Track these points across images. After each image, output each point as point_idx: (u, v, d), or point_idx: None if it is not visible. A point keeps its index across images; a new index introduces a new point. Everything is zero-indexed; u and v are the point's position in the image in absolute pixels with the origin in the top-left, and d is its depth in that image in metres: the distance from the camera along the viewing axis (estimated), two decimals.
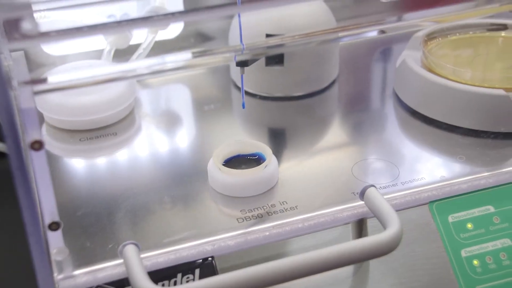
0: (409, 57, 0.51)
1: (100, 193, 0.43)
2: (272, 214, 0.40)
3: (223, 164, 0.42)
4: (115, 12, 0.57)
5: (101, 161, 0.47)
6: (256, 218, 0.39)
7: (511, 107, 0.45)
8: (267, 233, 0.38)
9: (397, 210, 0.40)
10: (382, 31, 0.44)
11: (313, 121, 0.52)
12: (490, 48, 0.53)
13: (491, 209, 0.41)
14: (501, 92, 0.45)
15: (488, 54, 0.52)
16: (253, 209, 0.40)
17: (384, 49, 0.63)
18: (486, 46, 0.53)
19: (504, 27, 0.54)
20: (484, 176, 0.42)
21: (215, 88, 0.58)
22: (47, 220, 0.33)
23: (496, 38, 0.53)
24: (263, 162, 0.42)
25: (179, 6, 0.58)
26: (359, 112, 0.53)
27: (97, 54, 0.56)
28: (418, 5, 0.63)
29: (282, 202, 0.41)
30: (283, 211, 0.40)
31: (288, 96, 0.54)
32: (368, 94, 0.56)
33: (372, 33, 0.43)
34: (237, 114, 0.54)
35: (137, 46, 0.55)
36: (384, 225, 0.37)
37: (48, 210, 0.33)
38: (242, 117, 0.54)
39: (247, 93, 0.55)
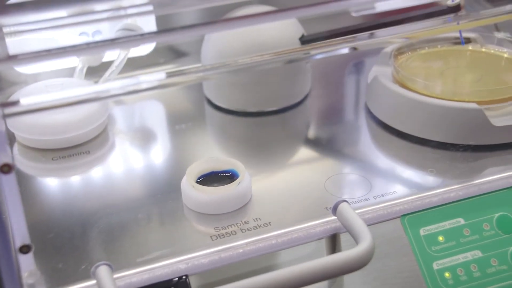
0: (379, 72, 0.52)
1: (73, 212, 0.42)
2: (245, 231, 0.40)
3: (196, 182, 0.42)
4: (87, 29, 0.57)
5: (74, 180, 0.47)
6: (230, 235, 0.40)
7: (480, 121, 0.46)
8: (241, 250, 0.38)
9: (369, 225, 0.40)
10: (354, 48, 0.44)
11: (286, 136, 0.52)
12: (459, 61, 0.54)
13: (462, 221, 0.42)
14: (472, 105, 0.46)
15: (457, 68, 0.53)
16: (227, 226, 0.40)
17: (357, 62, 0.64)
18: (454, 59, 0.54)
19: (468, 40, 0.55)
20: (454, 189, 0.43)
21: (189, 104, 0.58)
22: (18, 243, 0.33)
23: (464, 52, 0.54)
24: (236, 178, 0.42)
25: (152, 22, 0.58)
26: (332, 126, 0.53)
27: (70, 72, 0.56)
28: (388, 20, 0.64)
29: (256, 219, 0.41)
30: (257, 228, 0.40)
31: (262, 112, 0.55)
32: (340, 108, 0.56)
33: (344, 50, 0.43)
34: (211, 131, 0.54)
35: (109, 63, 0.55)
36: (356, 240, 0.37)
37: (19, 233, 0.33)
38: (216, 133, 0.54)
39: (220, 109, 0.55)
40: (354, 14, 0.66)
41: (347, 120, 0.54)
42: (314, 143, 0.51)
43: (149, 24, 0.57)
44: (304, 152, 0.50)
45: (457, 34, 0.55)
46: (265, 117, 0.54)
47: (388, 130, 0.50)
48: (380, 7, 0.67)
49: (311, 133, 0.53)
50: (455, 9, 0.50)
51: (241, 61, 0.40)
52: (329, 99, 0.58)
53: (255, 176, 0.45)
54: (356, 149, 0.49)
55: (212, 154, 0.50)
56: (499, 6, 0.46)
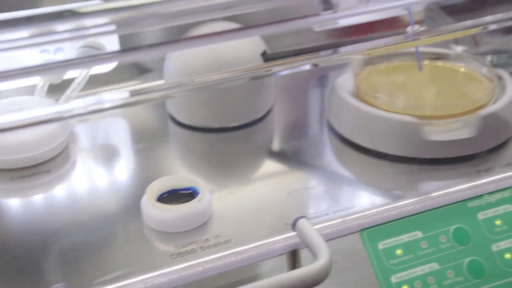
0: (339, 86, 0.52)
1: (31, 234, 0.42)
2: (205, 248, 0.40)
3: (157, 200, 0.42)
4: (48, 46, 0.56)
5: (33, 201, 0.46)
6: (190, 253, 0.40)
7: (436, 134, 0.47)
8: (200, 268, 0.39)
9: (329, 239, 0.41)
10: (315, 65, 0.45)
11: (249, 152, 0.52)
12: (418, 76, 0.55)
13: (419, 234, 0.42)
14: (428, 120, 0.47)
15: (416, 82, 0.54)
16: (187, 244, 0.40)
17: (321, 76, 0.65)
18: (413, 74, 0.55)
19: (437, 56, 0.56)
20: (411, 203, 0.43)
21: (152, 121, 0.58)
22: None
23: (423, 66, 0.55)
24: (197, 196, 0.42)
25: (115, 39, 0.58)
26: (294, 141, 0.54)
27: (30, 90, 0.55)
28: (350, 34, 0.65)
29: (216, 236, 0.41)
30: (216, 245, 0.40)
31: (225, 127, 0.55)
32: (303, 123, 0.57)
33: (305, 67, 0.44)
34: (175, 148, 0.54)
35: (71, 80, 0.55)
36: (314, 256, 0.37)
37: None
38: (180, 150, 0.54)
39: (183, 125, 0.55)
40: (316, 29, 0.67)
41: (309, 134, 0.55)
42: (276, 158, 0.52)
43: (111, 41, 0.57)
44: (266, 168, 0.50)
45: (423, 49, 0.56)
46: (228, 133, 0.55)
47: (349, 144, 0.51)
48: (343, 22, 0.68)
49: (274, 148, 0.54)
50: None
51: (204, 79, 0.41)
52: (292, 114, 0.58)
53: (217, 193, 0.45)
54: (317, 164, 0.50)
55: (175, 171, 0.50)
56: (461, 20, 0.47)
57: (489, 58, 0.73)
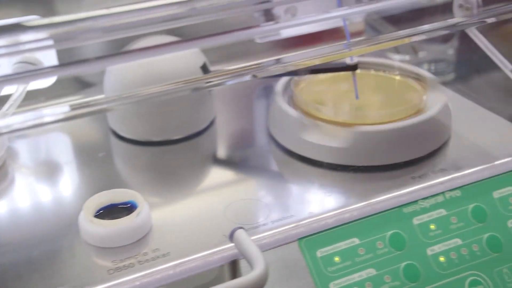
0: (279, 97, 0.53)
1: None
2: (143, 262, 0.40)
3: (95, 215, 0.42)
4: None
5: None
6: (127, 268, 0.39)
7: (371, 142, 0.48)
8: (138, 283, 0.38)
9: (267, 249, 0.41)
10: (254, 76, 0.45)
11: (191, 164, 0.52)
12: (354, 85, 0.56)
13: (356, 241, 0.43)
14: (364, 127, 0.48)
15: (352, 92, 0.55)
16: (125, 258, 0.40)
17: (266, 86, 0.65)
18: (350, 83, 0.56)
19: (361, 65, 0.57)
20: (348, 210, 0.44)
21: (94, 136, 0.57)
22: None
23: (360, 75, 0.56)
24: (135, 210, 0.42)
25: (52, 54, 0.57)
26: (235, 152, 0.54)
27: None
28: (294, 46, 0.66)
29: (154, 250, 0.41)
30: (155, 259, 0.40)
31: (167, 140, 0.55)
32: (245, 134, 0.57)
33: (245, 78, 0.44)
34: (116, 162, 0.54)
35: (8, 97, 0.54)
36: (251, 266, 0.38)
37: None
38: (121, 164, 0.54)
39: (125, 140, 0.55)
40: (258, 41, 0.68)
41: (251, 145, 0.55)
42: (218, 170, 0.52)
43: (49, 56, 0.56)
44: (208, 179, 0.51)
45: (363, 59, 0.57)
46: (171, 146, 0.55)
47: (289, 154, 0.51)
48: (285, 33, 0.69)
49: (216, 160, 0.54)
50: (353, 67, 0.53)
51: (142, 92, 0.41)
52: (235, 125, 0.58)
53: (157, 206, 0.45)
54: (258, 175, 0.50)
55: (117, 186, 0.49)
56: (403, 28, 0.48)
57: (427, 66, 0.75)
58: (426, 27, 0.45)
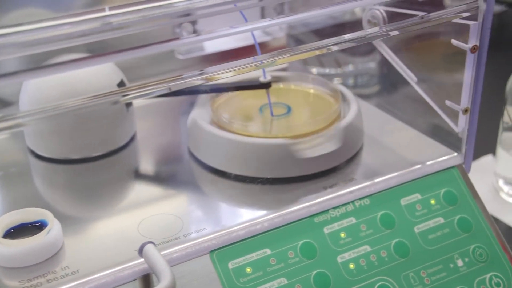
0: (197, 113, 0.54)
1: None
2: (52, 281, 0.40)
3: (4, 235, 0.42)
4: None
5: None
6: (35, 287, 0.39)
7: (283, 155, 0.49)
8: None
9: (178, 263, 0.42)
10: (169, 89, 0.46)
11: (109, 181, 0.52)
12: (271, 98, 0.57)
13: (268, 251, 0.44)
14: (276, 140, 0.49)
15: (267, 106, 0.56)
16: (33, 278, 0.40)
17: (188, 102, 0.66)
18: (265, 98, 0.57)
19: (278, 79, 0.59)
20: (260, 221, 0.45)
21: (10, 156, 0.57)
22: None
23: (275, 90, 0.58)
24: (45, 228, 0.42)
25: None
26: (154, 168, 0.54)
27: None
28: (214, 63, 0.67)
29: (64, 268, 0.41)
30: (64, 277, 0.40)
31: (86, 158, 0.55)
32: (164, 150, 0.58)
33: (161, 91, 0.45)
34: (34, 182, 0.54)
35: None
36: (159, 280, 0.38)
37: None
38: (39, 184, 0.53)
39: (43, 158, 0.55)
40: (180, 57, 0.69)
41: (170, 161, 0.56)
42: (135, 186, 0.52)
43: None
44: (125, 196, 0.51)
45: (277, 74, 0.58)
46: (90, 163, 0.54)
47: (206, 168, 0.52)
48: (209, 49, 0.70)
49: (134, 176, 0.54)
50: (266, 85, 0.54)
51: (59, 106, 0.40)
52: (155, 141, 0.59)
53: (71, 224, 0.45)
54: (175, 189, 0.50)
55: (32, 205, 0.49)
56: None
57: (352, 80, 0.77)
58: (334, 39, 0.46)
